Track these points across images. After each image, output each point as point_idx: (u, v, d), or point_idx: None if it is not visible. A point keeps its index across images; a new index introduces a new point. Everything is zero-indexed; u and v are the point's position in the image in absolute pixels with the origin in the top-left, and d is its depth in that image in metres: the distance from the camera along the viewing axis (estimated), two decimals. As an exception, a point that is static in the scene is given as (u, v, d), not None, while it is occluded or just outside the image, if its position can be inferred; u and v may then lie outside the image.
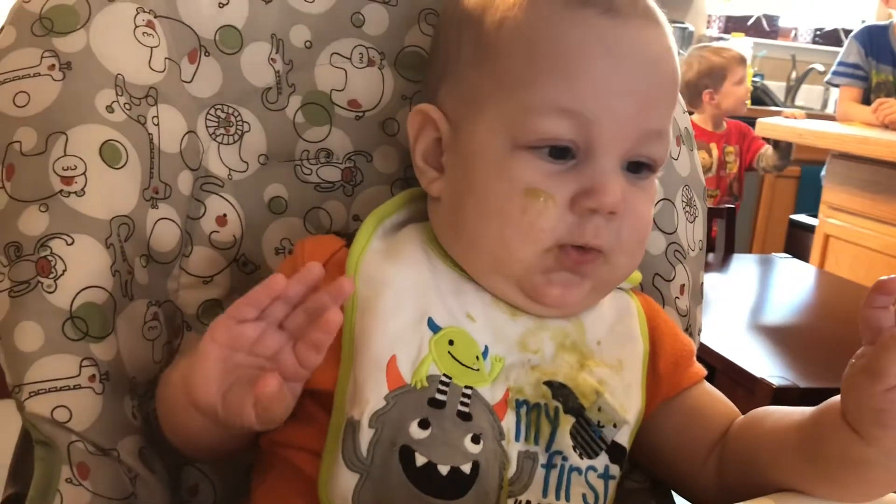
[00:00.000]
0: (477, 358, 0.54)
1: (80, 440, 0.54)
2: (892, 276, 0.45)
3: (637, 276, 0.65)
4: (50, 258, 0.54)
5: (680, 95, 0.73)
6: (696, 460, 0.57)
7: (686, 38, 3.89)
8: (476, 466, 0.51)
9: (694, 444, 0.58)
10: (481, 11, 0.55)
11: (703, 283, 0.73)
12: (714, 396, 0.60)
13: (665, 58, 0.54)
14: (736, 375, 1.40)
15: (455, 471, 0.50)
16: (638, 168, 0.54)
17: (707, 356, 1.44)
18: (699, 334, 0.72)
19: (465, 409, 0.52)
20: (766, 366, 1.40)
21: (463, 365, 0.53)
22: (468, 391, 0.52)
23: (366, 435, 0.50)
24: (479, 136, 0.54)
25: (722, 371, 1.44)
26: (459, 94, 0.56)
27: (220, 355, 0.47)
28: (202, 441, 0.55)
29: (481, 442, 0.52)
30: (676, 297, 0.69)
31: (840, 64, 2.62)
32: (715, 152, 2.62)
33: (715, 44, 3.08)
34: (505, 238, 0.52)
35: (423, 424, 0.51)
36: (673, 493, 0.65)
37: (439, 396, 0.51)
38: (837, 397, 0.47)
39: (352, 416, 0.50)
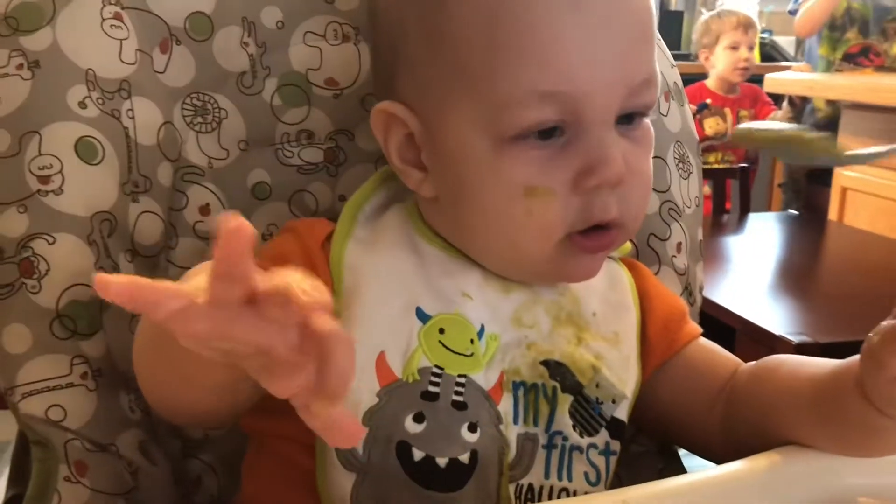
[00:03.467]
0: (471, 341, 0.52)
1: (76, 438, 0.54)
2: None
3: (627, 246, 0.64)
4: (32, 259, 0.54)
5: (666, 47, 0.71)
6: (700, 414, 0.56)
7: (690, -1, 3.82)
8: (474, 455, 0.50)
9: (695, 399, 0.57)
10: None
11: (701, 239, 0.71)
12: (711, 350, 0.59)
13: None
14: (756, 335, 1.39)
15: (454, 462, 0.49)
16: (630, 119, 0.50)
17: (726, 317, 1.43)
18: (701, 292, 0.70)
19: (460, 399, 0.51)
20: (786, 323, 1.38)
21: (454, 353, 0.52)
22: (462, 380, 0.51)
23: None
24: (454, 133, 0.49)
25: (742, 331, 1.42)
26: (417, 84, 0.51)
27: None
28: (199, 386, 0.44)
29: (478, 430, 0.51)
30: (673, 256, 0.68)
31: None
32: (729, 118, 2.58)
33: (724, 6, 3.03)
34: (515, 242, 0.50)
35: (418, 418, 0.50)
36: (680, 453, 0.64)
37: (432, 388, 0.50)
38: (855, 359, 0.45)
39: None
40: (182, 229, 0.63)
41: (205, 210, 0.63)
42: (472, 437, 0.50)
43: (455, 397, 0.51)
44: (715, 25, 2.61)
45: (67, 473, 0.53)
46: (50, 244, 0.55)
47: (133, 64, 0.60)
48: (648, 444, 0.63)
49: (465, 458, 0.50)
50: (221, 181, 0.64)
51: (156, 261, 0.61)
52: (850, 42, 2.64)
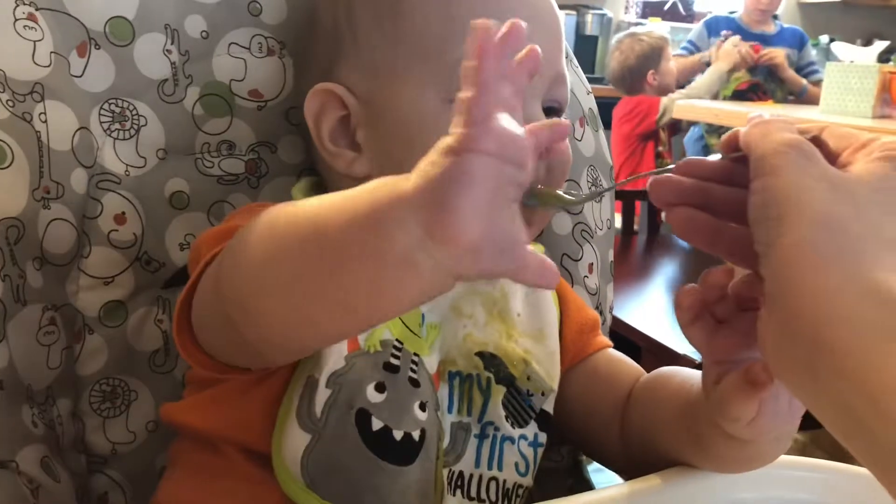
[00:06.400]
0: (420, 325, 0.54)
1: (-27, 454, 0.52)
2: (691, 286, 0.44)
3: (539, 248, 0.65)
4: None
5: (582, 73, 0.74)
6: (602, 423, 0.58)
7: (605, 24, 3.95)
8: (423, 434, 0.51)
9: (600, 407, 0.59)
10: None
11: (612, 261, 0.74)
12: (617, 360, 0.61)
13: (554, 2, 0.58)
14: (660, 353, 1.43)
15: (407, 436, 0.50)
16: (548, 113, 0.56)
17: (632, 335, 1.47)
18: (611, 311, 0.73)
19: (415, 376, 0.52)
20: (689, 341, 1.44)
21: (411, 331, 0.53)
22: (416, 358, 0.52)
23: (322, 395, 0.49)
24: (407, 98, 0.53)
25: (647, 349, 1.47)
26: (364, 66, 0.55)
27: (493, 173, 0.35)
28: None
29: (426, 410, 0.51)
30: (585, 276, 0.70)
31: (687, 41, 3.09)
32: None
33: (636, 29, 3.17)
34: None
35: (380, 388, 0.50)
36: (588, 473, 0.66)
37: (393, 361, 0.51)
38: None
39: (312, 374, 0.49)
40: (96, 238, 0.61)
41: (120, 219, 0.62)
42: (422, 416, 0.51)
43: (411, 374, 0.51)
44: (655, 43, 2.76)
45: (-38, 491, 0.51)
46: (-49, 250, 0.52)
47: (47, 66, 0.58)
48: (559, 461, 0.65)
49: (416, 434, 0.50)
50: (138, 189, 0.63)
51: (67, 269, 0.59)
52: (740, 80, 2.88)
